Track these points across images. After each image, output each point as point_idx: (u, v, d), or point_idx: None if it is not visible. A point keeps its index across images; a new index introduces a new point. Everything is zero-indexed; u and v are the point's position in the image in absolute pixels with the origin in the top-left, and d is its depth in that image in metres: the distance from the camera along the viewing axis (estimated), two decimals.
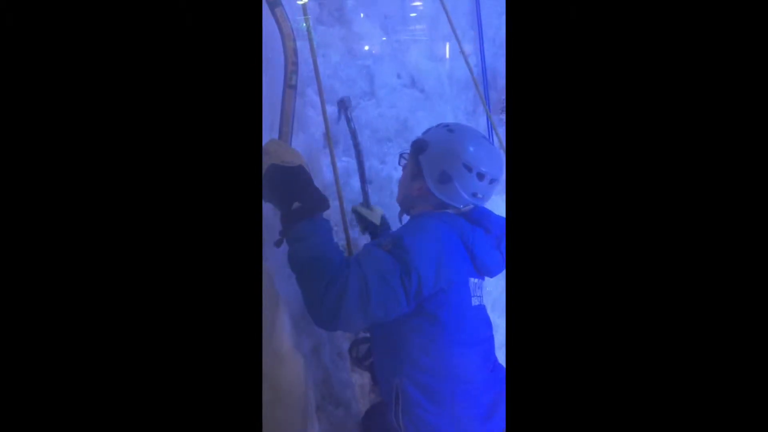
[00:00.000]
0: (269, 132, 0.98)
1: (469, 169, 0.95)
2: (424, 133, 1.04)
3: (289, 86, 0.92)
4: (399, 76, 1.79)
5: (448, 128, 1.00)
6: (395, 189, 1.35)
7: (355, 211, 1.40)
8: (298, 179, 0.82)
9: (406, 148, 1.08)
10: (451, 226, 0.93)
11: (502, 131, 1.82)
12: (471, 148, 0.96)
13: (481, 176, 0.96)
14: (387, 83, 1.73)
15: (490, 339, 1.02)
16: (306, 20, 1.21)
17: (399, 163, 1.12)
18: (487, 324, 1.01)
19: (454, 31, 1.56)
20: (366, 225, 1.39)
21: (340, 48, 1.64)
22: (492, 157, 0.99)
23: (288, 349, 0.92)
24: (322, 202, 0.84)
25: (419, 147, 0.99)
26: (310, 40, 1.10)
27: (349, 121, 1.35)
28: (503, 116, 1.92)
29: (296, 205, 0.80)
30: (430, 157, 0.98)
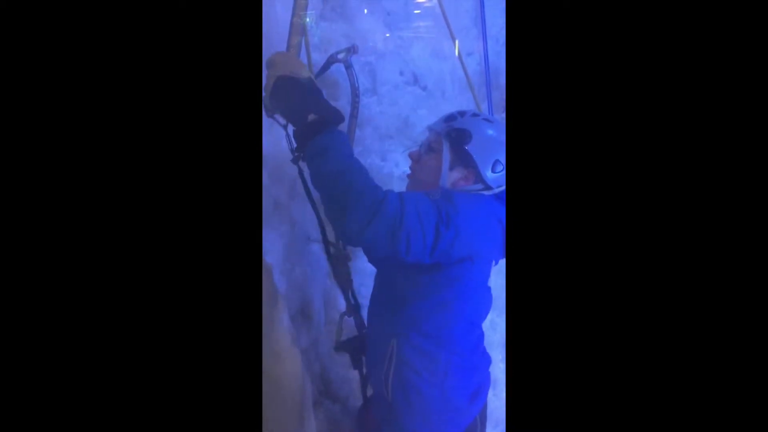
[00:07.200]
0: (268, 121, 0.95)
1: None
2: (451, 121, 0.99)
3: (300, 4, 0.87)
4: (401, 74, 1.78)
5: (484, 118, 0.99)
6: (395, 186, 1.35)
7: None
8: (309, 92, 0.79)
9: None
10: (491, 206, 0.93)
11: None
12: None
13: None
14: (389, 80, 1.73)
15: (482, 323, 1.05)
16: (306, 16, 1.19)
17: (414, 156, 1.04)
18: (488, 307, 1.03)
19: (451, 33, 1.55)
20: None
21: (342, 44, 1.64)
22: None
23: (286, 345, 0.92)
24: (337, 115, 0.81)
25: (463, 137, 0.95)
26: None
27: (350, 68, 1.32)
28: (504, 115, 1.91)
29: (312, 116, 0.77)
30: (480, 147, 0.95)
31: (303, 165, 0.86)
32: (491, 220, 0.91)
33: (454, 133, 0.96)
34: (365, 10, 1.67)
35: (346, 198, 0.74)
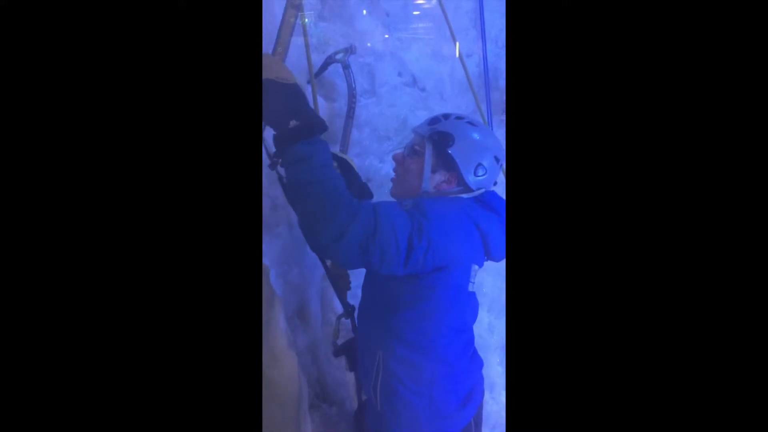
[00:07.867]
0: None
1: (497, 160, 0.99)
2: (434, 124, 0.98)
3: (292, 6, 0.85)
4: (400, 75, 1.78)
5: (468, 121, 0.99)
6: None
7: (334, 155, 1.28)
8: (294, 98, 0.78)
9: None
10: (468, 211, 0.93)
11: (501, 132, 1.82)
12: (496, 141, 1.01)
13: (500, 166, 1.02)
14: (388, 81, 1.72)
15: (472, 327, 1.04)
16: (305, 16, 1.19)
17: (397, 158, 1.03)
18: (475, 311, 1.02)
19: (452, 34, 1.55)
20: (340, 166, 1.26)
21: (341, 45, 1.64)
22: (501, 143, 1.02)
23: (282, 347, 0.92)
24: (321, 123, 0.80)
25: (446, 140, 0.95)
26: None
27: (347, 68, 1.32)
28: (503, 117, 1.91)
29: (293, 123, 0.76)
30: (463, 151, 0.95)
31: (282, 171, 0.84)
32: (467, 226, 0.91)
33: (437, 136, 0.95)
34: (364, 11, 1.67)
35: (321, 208, 0.74)
